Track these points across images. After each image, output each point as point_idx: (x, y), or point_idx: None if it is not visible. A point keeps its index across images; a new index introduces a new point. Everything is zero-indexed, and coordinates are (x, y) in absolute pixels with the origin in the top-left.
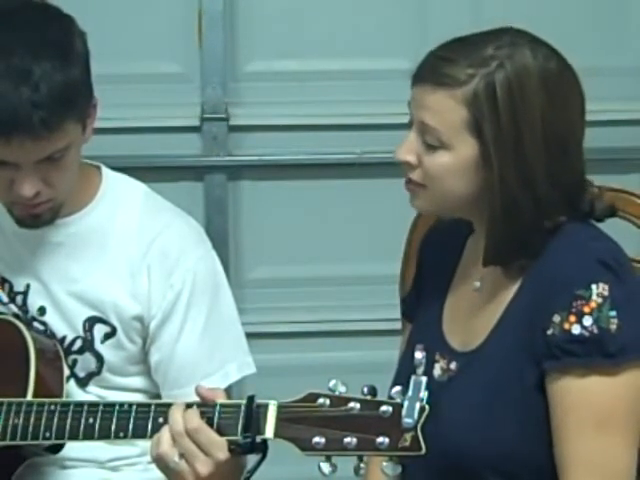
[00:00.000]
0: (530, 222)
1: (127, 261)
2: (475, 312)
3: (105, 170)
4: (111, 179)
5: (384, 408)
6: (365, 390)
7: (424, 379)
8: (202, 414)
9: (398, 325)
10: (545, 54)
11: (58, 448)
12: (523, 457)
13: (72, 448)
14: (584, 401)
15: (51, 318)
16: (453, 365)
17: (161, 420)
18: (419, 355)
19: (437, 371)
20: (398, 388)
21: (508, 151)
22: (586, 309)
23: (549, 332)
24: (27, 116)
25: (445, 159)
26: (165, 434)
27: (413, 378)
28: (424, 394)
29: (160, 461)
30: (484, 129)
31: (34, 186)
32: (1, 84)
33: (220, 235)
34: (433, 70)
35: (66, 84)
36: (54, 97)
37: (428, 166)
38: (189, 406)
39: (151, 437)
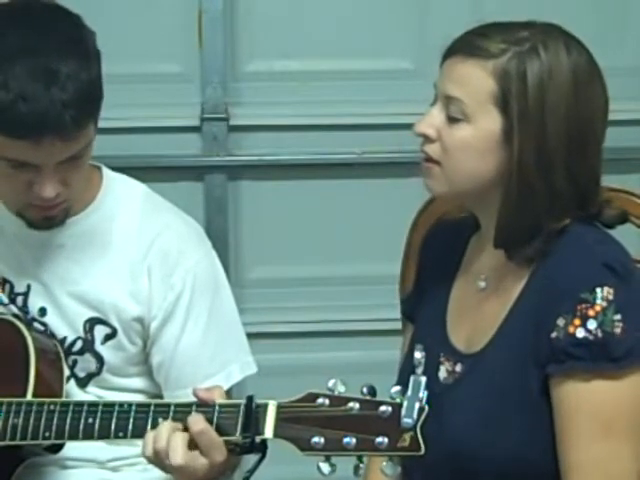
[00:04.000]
0: (542, 212)
1: (127, 262)
2: (480, 312)
3: (106, 171)
4: (111, 180)
5: (383, 408)
6: (364, 390)
7: (423, 379)
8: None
9: (398, 325)
10: (578, 50)
11: (58, 448)
12: (528, 462)
13: (72, 448)
14: (588, 405)
15: (51, 319)
16: (459, 367)
17: (160, 420)
18: (418, 355)
19: (442, 373)
20: (397, 388)
21: (531, 133)
22: (590, 313)
23: (553, 335)
24: (59, 116)
25: (466, 132)
26: (164, 430)
27: (412, 378)
28: (424, 394)
29: (156, 457)
30: (510, 104)
31: (55, 187)
32: (31, 86)
33: (220, 235)
34: (466, 43)
35: (90, 82)
36: (81, 96)
37: (447, 140)
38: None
39: None
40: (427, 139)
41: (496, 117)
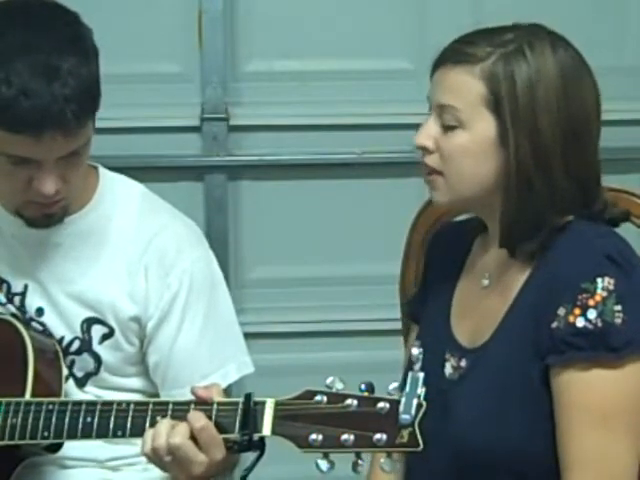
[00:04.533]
0: (544, 209)
1: (125, 262)
2: (483, 308)
3: (103, 170)
4: (108, 179)
5: (381, 405)
6: (362, 387)
7: (421, 375)
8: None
9: (398, 325)
10: (565, 48)
11: (57, 447)
12: (533, 455)
13: (71, 447)
14: (587, 395)
15: (49, 319)
16: (463, 362)
17: (159, 419)
18: (415, 351)
19: (448, 370)
20: (395, 384)
21: (525, 132)
22: (591, 302)
23: (554, 325)
24: (61, 111)
25: (463, 138)
26: (163, 428)
27: (410, 374)
28: (422, 390)
29: (155, 455)
30: (502, 105)
31: (55, 183)
32: (33, 82)
33: (220, 235)
34: (452, 51)
35: (90, 78)
36: (82, 91)
37: (445, 148)
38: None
39: None
40: (426, 151)
41: (490, 120)
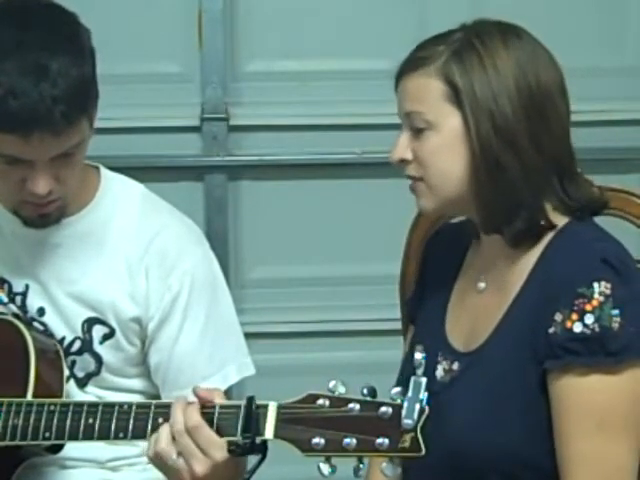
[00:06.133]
0: (519, 187)
1: (125, 262)
2: (479, 313)
3: (104, 171)
4: (109, 180)
5: (384, 409)
6: (365, 391)
7: (424, 380)
8: (202, 415)
9: (398, 325)
10: (516, 35)
11: (58, 448)
12: (526, 458)
13: (72, 448)
14: (585, 400)
15: (50, 319)
16: (455, 366)
17: (160, 420)
18: (418, 356)
19: (439, 372)
20: (398, 389)
21: (485, 114)
22: (588, 307)
23: (551, 331)
24: (48, 111)
25: (434, 139)
26: (164, 432)
27: (413, 379)
28: (424, 395)
29: (158, 459)
30: (461, 95)
31: (48, 183)
32: (21, 82)
33: (220, 235)
34: (408, 61)
35: (81, 78)
36: (72, 91)
37: (420, 153)
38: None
39: None
40: (405, 162)
41: (455, 114)
